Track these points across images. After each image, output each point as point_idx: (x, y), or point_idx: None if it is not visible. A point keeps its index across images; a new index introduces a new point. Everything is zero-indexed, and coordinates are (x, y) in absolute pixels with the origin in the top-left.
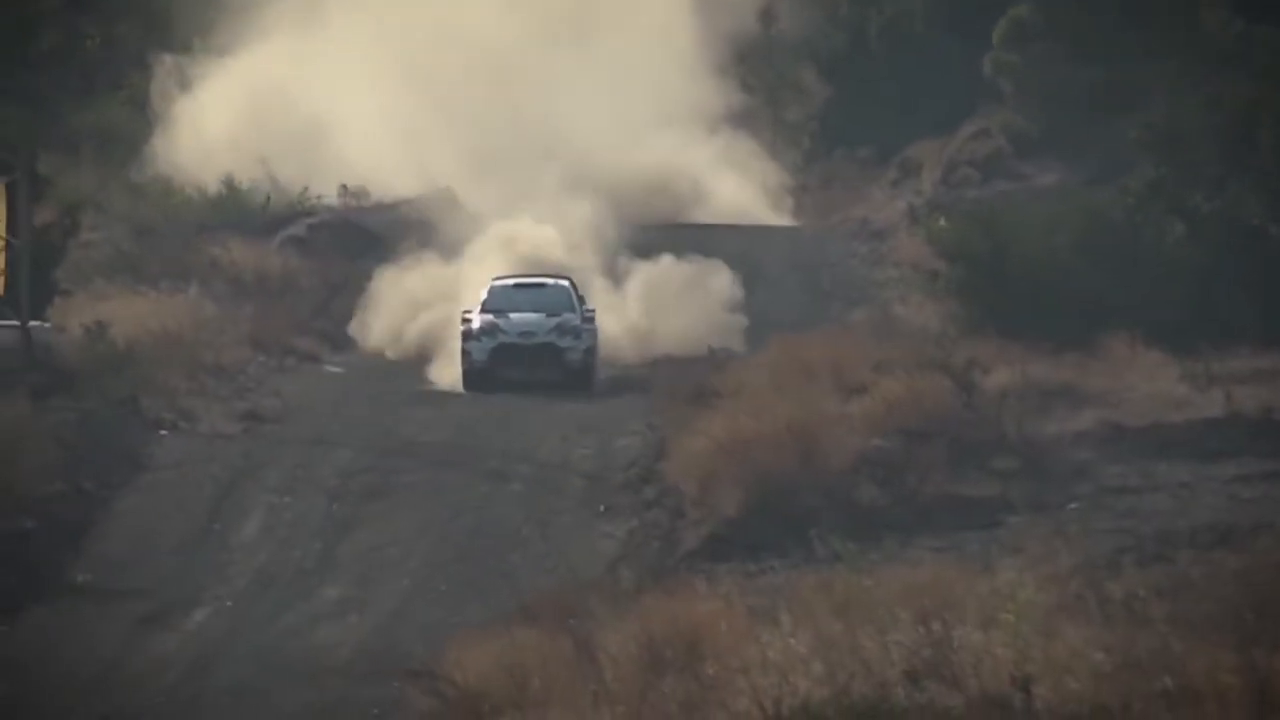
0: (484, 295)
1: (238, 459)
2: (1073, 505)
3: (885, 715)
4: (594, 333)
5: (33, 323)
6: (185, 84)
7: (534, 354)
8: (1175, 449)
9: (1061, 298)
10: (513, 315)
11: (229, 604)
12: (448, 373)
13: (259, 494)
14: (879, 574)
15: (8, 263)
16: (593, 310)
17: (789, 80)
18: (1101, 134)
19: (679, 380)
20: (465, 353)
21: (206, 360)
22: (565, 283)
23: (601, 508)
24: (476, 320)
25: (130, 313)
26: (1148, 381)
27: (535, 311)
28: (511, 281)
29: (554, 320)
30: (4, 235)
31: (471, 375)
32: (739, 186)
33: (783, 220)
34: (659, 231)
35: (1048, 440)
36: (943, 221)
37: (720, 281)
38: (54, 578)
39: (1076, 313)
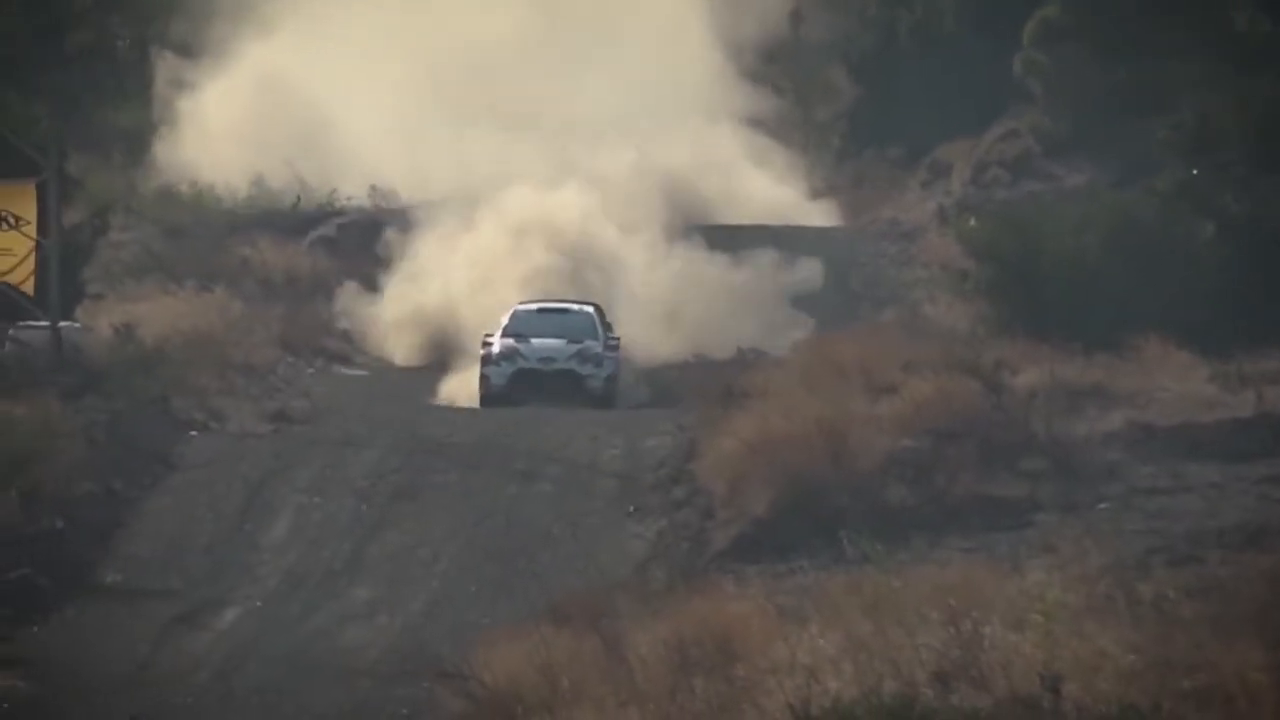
0: (505, 320)
1: (267, 459)
2: (1102, 506)
3: (915, 716)
4: (616, 360)
5: (62, 323)
6: (193, 84)
7: (553, 380)
8: (1205, 449)
9: (1091, 298)
10: (533, 340)
11: (259, 604)
12: (453, 385)
13: (289, 494)
14: (908, 574)
15: (38, 263)
16: (617, 338)
17: (818, 80)
18: (1131, 134)
19: (709, 381)
20: (483, 377)
21: (236, 360)
22: (590, 309)
23: (631, 508)
24: (497, 344)
25: (160, 313)
26: (1178, 382)
27: (557, 337)
28: (534, 306)
29: (575, 347)
30: (34, 236)
31: (489, 400)
32: (769, 187)
33: (813, 221)
34: (690, 232)
35: (1077, 441)
36: (972, 222)
37: (792, 276)
38: (84, 578)
39: (1106, 313)
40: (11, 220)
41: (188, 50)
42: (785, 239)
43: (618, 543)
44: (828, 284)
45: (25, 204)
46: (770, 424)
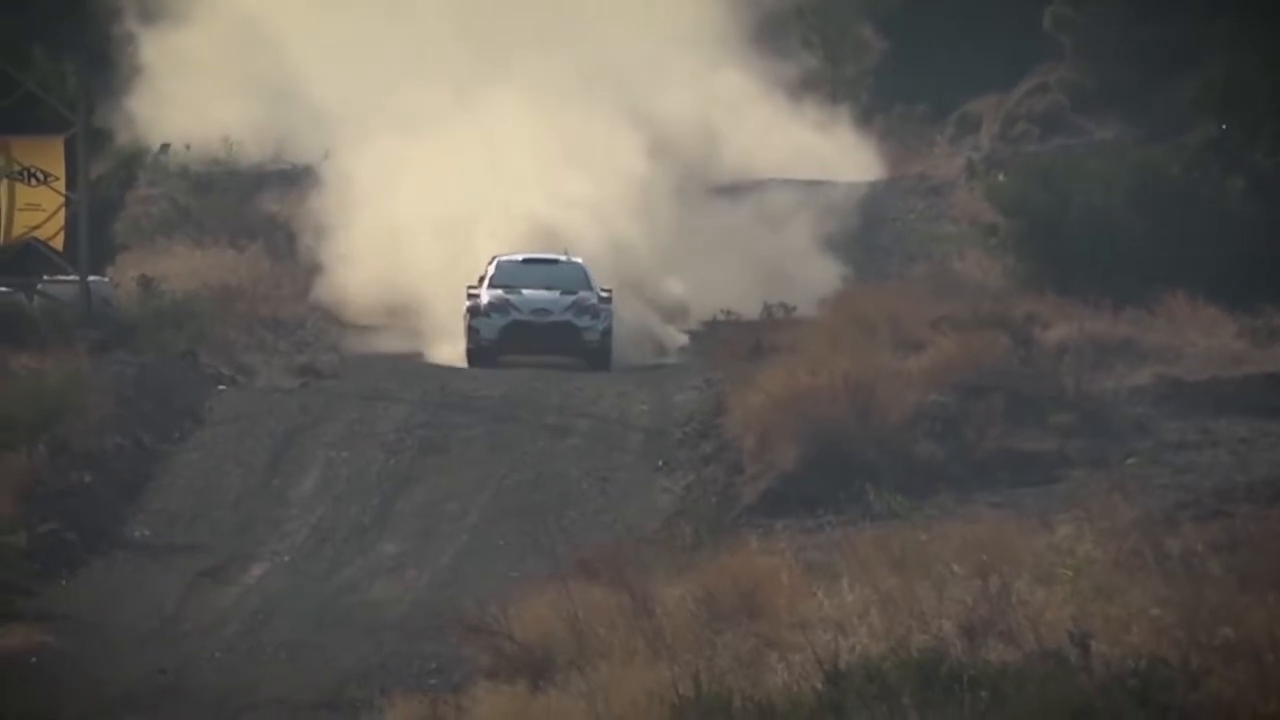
0: (490, 271)
1: (295, 413)
2: (1131, 460)
3: (943, 670)
4: (611, 313)
5: (91, 277)
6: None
7: (549, 333)
8: (1233, 404)
9: (1119, 254)
10: (525, 291)
11: (286, 559)
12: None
13: (317, 449)
14: (936, 529)
15: (67, 219)
16: (609, 290)
17: (847, 36)
18: (1160, 89)
19: (737, 337)
20: (472, 330)
21: (264, 315)
22: (579, 260)
23: (659, 462)
24: (485, 296)
25: (189, 267)
26: (1206, 337)
27: (548, 289)
28: (520, 257)
29: (570, 298)
30: (63, 191)
31: (478, 354)
32: (797, 142)
33: (842, 176)
34: (707, 188)
35: (1106, 395)
36: (1001, 177)
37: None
38: (112, 532)
39: (1134, 269)
40: (40, 176)
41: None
42: (814, 194)
43: (646, 497)
44: (856, 239)
45: (54, 159)
46: (798, 379)
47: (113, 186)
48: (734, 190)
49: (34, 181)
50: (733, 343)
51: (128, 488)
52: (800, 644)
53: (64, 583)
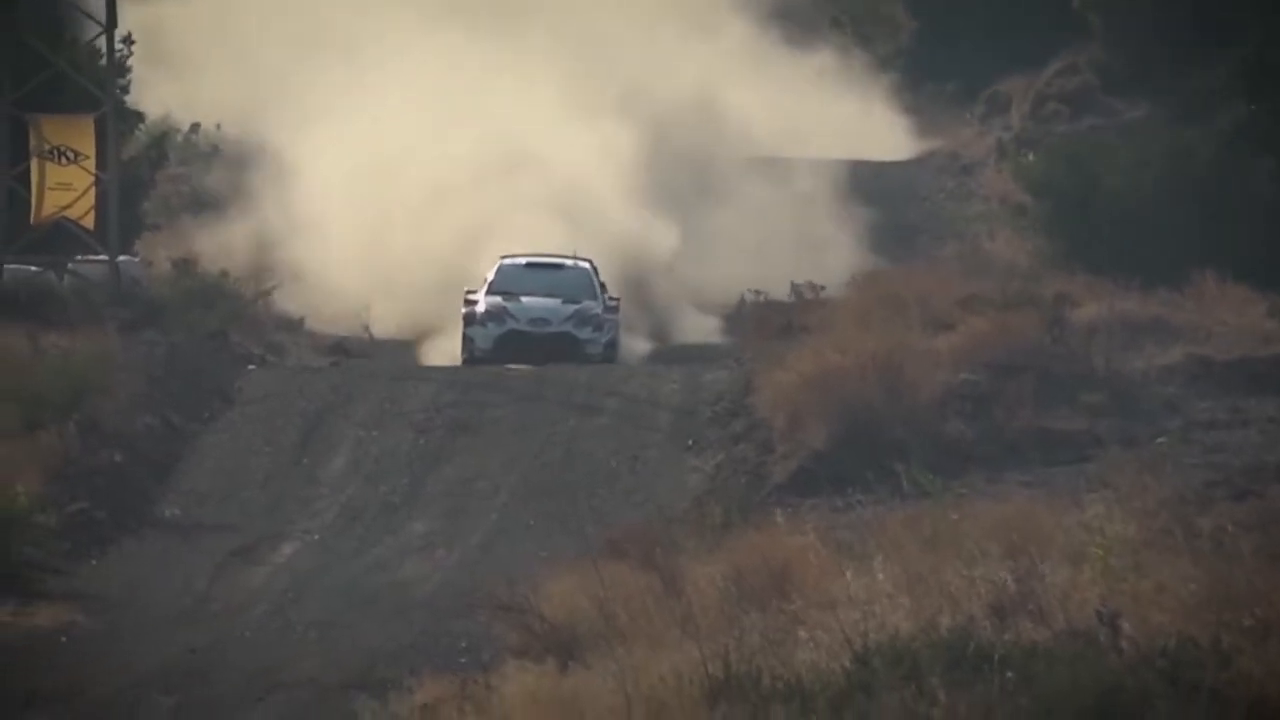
0: (490, 275)
1: (325, 393)
2: (1161, 440)
3: (971, 649)
4: (616, 324)
5: (121, 257)
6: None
7: (547, 344)
8: (1264, 384)
9: (1149, 234)
10: (524, 299)
11: (316, 538)
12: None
13: (346, 428)
14: (966, 508)
15: (97, 198)
16: (617, 299)
17: (878, 15)
18: (1191, 70)
19: (766, 317)
20: (466, 339)
21: (293, 294)
22: (586, 264)
23: (689, 441)
24: (482, 303)
25: (219, 246)
26: (1236, 316)
27: (549, 296)
28: (523, 261)
29: (572, 307)
30: (94, 171)
31: (472, 365)
32: (827, 121)
33: (872, 155)
34: (734, 166)
35: (1136, 375)
36: (1030, 157)
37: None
38: (142, 512)
39: (1164, 248)
40: (71, 154)
41: None
42: (843, 172)
43: (675, 476)
44: (886, 218)
45: (85, 138)
46: (828, 358)
47: (143, 166)
48: (762, 168)
49: (64, 160)
50: (762, 322)
51: (157, 467)
52: (829, 623)
53: (94, 562)
